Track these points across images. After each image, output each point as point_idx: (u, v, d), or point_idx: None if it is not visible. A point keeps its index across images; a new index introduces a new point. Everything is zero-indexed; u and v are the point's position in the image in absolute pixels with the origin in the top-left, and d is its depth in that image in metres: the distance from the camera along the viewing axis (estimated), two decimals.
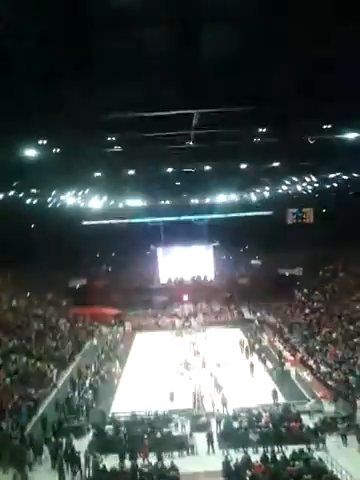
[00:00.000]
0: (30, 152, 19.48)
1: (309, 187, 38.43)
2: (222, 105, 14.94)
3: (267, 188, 41.31)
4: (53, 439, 19.80)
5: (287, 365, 29.26)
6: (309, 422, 21.16)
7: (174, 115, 15.65)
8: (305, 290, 43.54)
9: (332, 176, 33.23)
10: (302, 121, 17.54)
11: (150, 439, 19.57)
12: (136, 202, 45.97)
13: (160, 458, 17.90)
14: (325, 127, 18.15)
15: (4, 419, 20.86)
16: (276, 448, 18.65)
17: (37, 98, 12.84)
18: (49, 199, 37.53)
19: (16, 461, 18.04)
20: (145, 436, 19.77)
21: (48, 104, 13.47)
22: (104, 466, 17.49)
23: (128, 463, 17.85)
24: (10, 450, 18.72)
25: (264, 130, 18.60)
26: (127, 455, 18.53)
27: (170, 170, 28.59)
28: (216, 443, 19.76)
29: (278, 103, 14.85)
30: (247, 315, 44.62)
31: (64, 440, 20.03)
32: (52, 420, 21.82)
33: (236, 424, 20.64)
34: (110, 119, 15.84)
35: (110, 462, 17.83)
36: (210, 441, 19.55)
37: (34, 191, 33.12)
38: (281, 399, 24.49)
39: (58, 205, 40.32)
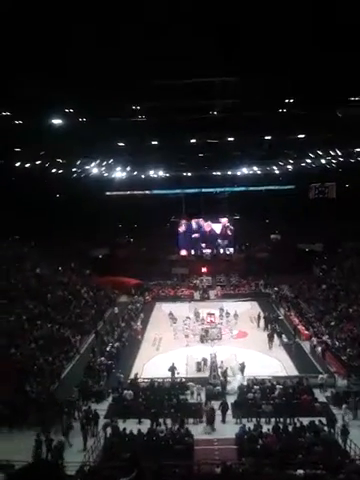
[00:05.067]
0: (56, 121, 19.68)
1: (333, 161, 37.74)
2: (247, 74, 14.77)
3: (290, 161, 40.72)
4: (75, 402, 20.70)
5: (302, 339, 29.59)
6: (321, 396, 21.64)
7: (199, 83, 15.54)
8: (324, 266, 43.45)
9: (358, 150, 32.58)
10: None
11: (167, 405, 20.34)
12: (158, 173, 46.05)
13: (180, 423, 18.53)
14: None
15: (29, 382, 21.92)
16: (288, 420, 19.13)
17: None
18: (74, 169, 37.87)
19: (41, 421, 18.97)
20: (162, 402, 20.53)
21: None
22: (124, 429, 18.20)
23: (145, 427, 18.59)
24: (36, 411, 19.78)
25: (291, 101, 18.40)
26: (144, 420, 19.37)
27: (193, 141, 28.33)
28: (230, 412, 20.40)
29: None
30: (265, 289, 44.95)
31: (85, 404, 21.07)
32: (74, 384, 22.71)
33: (250, 395, 21.20)
34: (135, 87, 15.80)
35: (128, 426, 18.60)
36: (224, 410, 20.20)
37: (59, 160, 33.48)
38: (294, 372, 24.97)
39: (82, 175, 40.72)
